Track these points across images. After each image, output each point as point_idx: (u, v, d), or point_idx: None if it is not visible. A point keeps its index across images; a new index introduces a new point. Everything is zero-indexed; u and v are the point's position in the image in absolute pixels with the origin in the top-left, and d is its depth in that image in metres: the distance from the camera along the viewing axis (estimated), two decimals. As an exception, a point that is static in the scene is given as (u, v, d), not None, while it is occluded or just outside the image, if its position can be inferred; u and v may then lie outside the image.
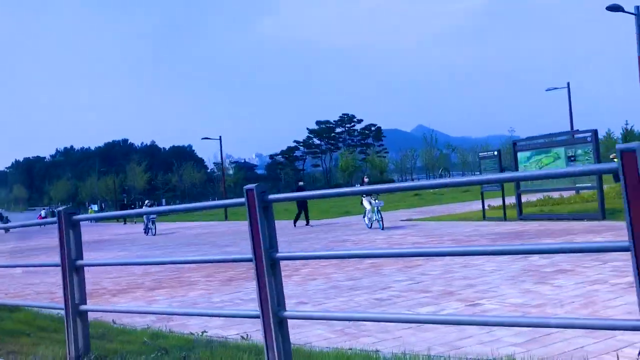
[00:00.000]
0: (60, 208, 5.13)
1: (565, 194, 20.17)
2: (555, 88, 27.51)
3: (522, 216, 16.43)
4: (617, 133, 77.67)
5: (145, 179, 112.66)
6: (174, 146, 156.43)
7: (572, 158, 15.55)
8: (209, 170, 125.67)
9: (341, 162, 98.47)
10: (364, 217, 18.19)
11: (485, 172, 18.79)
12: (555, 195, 20.36)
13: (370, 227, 17.36)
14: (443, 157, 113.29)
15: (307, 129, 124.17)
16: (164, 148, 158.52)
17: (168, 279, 10.62)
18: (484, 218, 17.86)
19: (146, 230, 25.69)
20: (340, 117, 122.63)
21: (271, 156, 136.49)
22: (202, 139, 37.69)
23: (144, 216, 25.61)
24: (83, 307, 5.05)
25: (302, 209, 21.64)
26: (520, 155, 16.79)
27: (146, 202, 29.16)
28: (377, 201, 17.16)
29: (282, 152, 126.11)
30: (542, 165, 16.42)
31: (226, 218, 33.50)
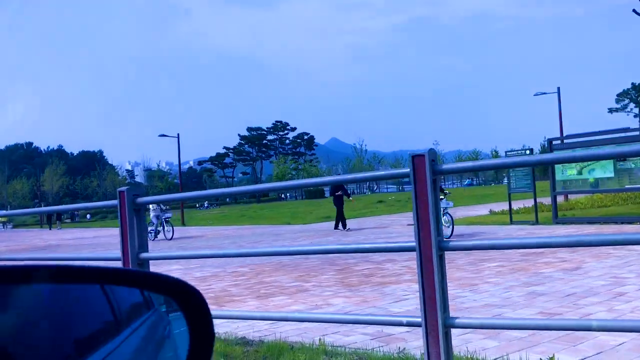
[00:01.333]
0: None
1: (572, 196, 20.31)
2: (544, 93, 27.92)
3: (558, 220, 15.90)
4: None
5: (60, 183, 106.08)
6: (83, 151, 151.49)
7: (623, 158, 15.11)
8: (120, 178, 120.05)
9: (276, 170, 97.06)
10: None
11: (515, 178, 18.25)
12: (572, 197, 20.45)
13: None
14: (371, 168, 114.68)
15: (239, 135, 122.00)
16: (72, 153, 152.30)
17: (259, 284, 8.95)
18: (511, 222, 17.46)
19: (155, 234, 20.99)
20: (273, 124, 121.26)
21: (200, 162, 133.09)
22: (160, 135, 35.32)
23: (152, 215, 21.14)
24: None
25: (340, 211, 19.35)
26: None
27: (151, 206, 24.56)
28: (445, 200, 14.11)
29: (211, 159, 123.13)
30: (585, 165, 15.93)
31: (183, 223, 31.98)
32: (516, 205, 25.73)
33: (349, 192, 20.56)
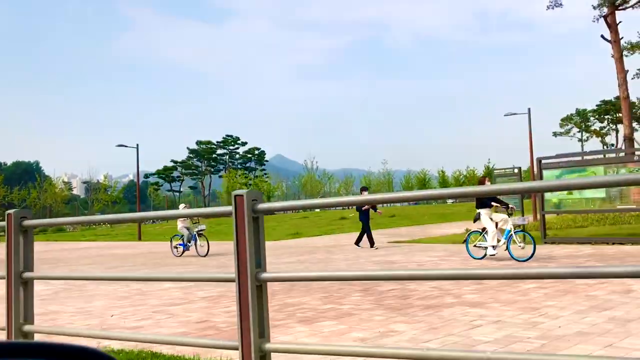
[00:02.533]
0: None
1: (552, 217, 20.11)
2: (515, 113, 28.04)
3: (546, 239, 15.59)
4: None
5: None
6: (17, 161, 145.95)
7: None
8: (57, 190, 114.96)
9: (226, 184, 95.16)
10: (469, 241, 13.04)
11: (504, 197, 17.85)
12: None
13: (494, 255, 12.37)
14: (321, 185, 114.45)
15: (188, 148, 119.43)
16: (4, 163, 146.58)
17: (287, 306, 8.05)
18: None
19: (183, 249, 17.98)
20: (223, 138, 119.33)
21: (146, 175, 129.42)
22: (117, 146, 33.60)
23: (180, 227, 18.19)
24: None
25: (362, 228, 17.73)
26: (547, 173, 16.01)
27: (181, 205, 20.21)
28: (519, 217, 12.83)
29: (158, 172, 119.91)
30: None
31: (140, 238, 30.48)
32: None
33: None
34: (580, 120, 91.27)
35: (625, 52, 29.74)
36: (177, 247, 18.24)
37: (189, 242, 17.87)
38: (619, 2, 26.78)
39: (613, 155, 16.43)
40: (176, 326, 6.88)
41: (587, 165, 16.30)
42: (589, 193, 16.18)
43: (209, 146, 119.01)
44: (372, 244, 17.25)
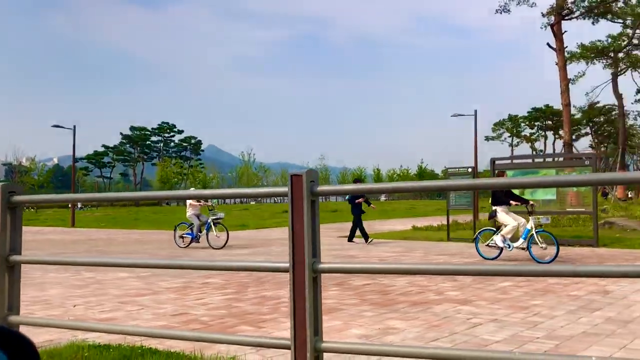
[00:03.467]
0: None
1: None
2: (462, 114, 28.31)
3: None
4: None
5: None
6: None
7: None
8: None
9: (160, 173, 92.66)
10: (490, 239, 12.18)
11: (456, 196, 17.93)
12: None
13: (509, 249, 11.88)
14: (258, 178, 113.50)
15: (121, 134, 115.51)
16: None
17: (266, 300, 7.49)
18: (448, 239, 17.35)
19: (192, 239, 15.82)
20: (158, 125, 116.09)
21: (76, 160, 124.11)
22: (53, 126, 31.64)
23: (190, 214, 15.99)
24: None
25: (355, 222, 16.89)
26: None
27: (191, 189, 17.15)
28: (541, 217, 11.87)
29: (88, 157, 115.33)
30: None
31: (73, 225, 28.99)
32: (435, 221, 26.19)
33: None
34: (512, 125, 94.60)
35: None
36: (183, 237, 15.96)
37: (200, 232, 15.80)
38: (565, 12, 27.75)
39: (559, 159, 16.91)
40: (152, 318, 6.35)
41: (539, 167, 16.67)
42: (540, 194, 16.56)
43: (143, 132, 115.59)
44: (366, 238, 16.70)
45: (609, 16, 32.78)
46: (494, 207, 12.13)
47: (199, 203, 16.09)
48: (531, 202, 12.25)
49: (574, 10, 28.00)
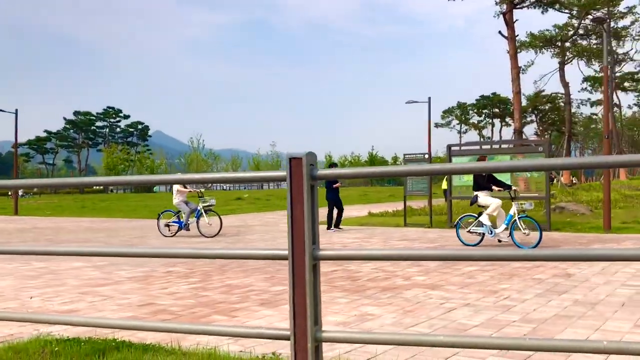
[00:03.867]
0: None
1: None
2: (416, 101, 28.40)
3: (452, 224, 15.95)
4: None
5: None
6: None
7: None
8: None
9: (106, 159, 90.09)
10: (477, 224, 11.86)
11: (412, 181, 17.95)
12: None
13: (491, 235, 11.66)
14: (207, 164, 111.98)
15: (64, 118, 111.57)
16: None
17: (234, 288, 7.19)
18: (405, 224, 17.44)
19: (182, 226, 14.79)
20: (104, 109, 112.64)
21: (13, 145, 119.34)
22: None
23: (178, 200, 14.90)
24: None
25: (337, 207, 16.35)
26: (455, 160, 16.32)
27: (177, 174, 15.49)
28: (524, 203, 11.76)
29: (30, 142, 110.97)
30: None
31: (16, 213, 27.82)
32: (389, 208, 26.43)
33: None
34: (460, 113, 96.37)
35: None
36: (169, 226, 14.99)
37: (189, 220, 14.83)
38: (517, 1, 28.31)
39: (511, 145, 17.26)
40: (118, 309, 6.09)
41: (494, 153, 16.95)
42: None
43: (87, 118, 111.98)
44: (338, 224, 16.44)
45: (557, 6, 33.68)
46: (475, 193, 11.97)
47: (186, 189, 15.04)
48: (514, 188, 12.09)
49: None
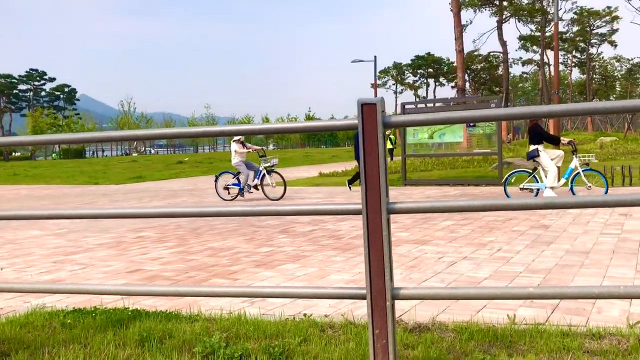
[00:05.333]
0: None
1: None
2: (361, 60, 28.02)
3: (406, 181, 16.10)
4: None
5: None
6: None
7: (472, 124, 15.74)
8: None
9: (31, 125, 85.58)
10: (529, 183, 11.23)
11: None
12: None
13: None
14: (137, 127, 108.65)
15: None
16: None
17: (223, 250, 6.76)
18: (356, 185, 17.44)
19: (243, 189, 13.49)
20: (27, 72, 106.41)
21: None
22: None
23: (237, 161, 13.51)
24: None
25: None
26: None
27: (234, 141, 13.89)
28: (587, 156, 11.09)
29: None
30: (435, 130, 16.20)
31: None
32: (336, 168, 26.48)
33: None
34: (396, 73, 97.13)
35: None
36: (228, 188, 13.75)
37: (251, 183, 13.55)
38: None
39: (467, 102, 17.46)
40: (107, 277, 5.72)
41: (449, 111, 17.14)
42: (449, 137, 17.07)
43: (9, 80, 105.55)
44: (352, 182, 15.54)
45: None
46: (534, 146, 11.03)
47: (246, 149, 13.59)
48: (574, 141, 11.44)
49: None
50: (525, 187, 11.30)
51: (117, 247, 7.69)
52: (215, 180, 14.16)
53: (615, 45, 70.41)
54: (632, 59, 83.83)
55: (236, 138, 13.49)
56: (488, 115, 2.83)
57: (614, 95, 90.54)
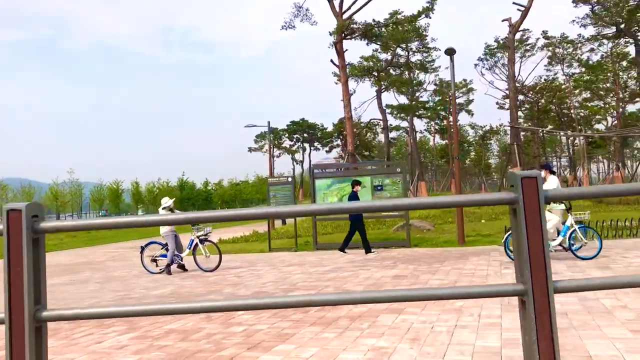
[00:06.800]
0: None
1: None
2: (255, 125, 27.88)
3: (318, 245, 15.86)
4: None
5: None
6: None
7: (379, 187, 15.90)
8: None
9: None
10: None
11: (277, 202, 17.34)
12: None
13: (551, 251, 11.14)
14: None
15: None
16: None
17: (257, 332, 5.77)
18: (270, 249, 16.88)
19: (172, 260, 12.40)
20: None
21: None
22: None
23: (169, 233, 12.48)
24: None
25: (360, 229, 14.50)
26: (318, 182, 16.31)
27: (164, 199, 12.83)
28: (582, 213, 11.15)
29: None
30: (345, 193, 16.18)
31: None
32: (233, 233, 25.83)
33: None
34: (273, 138, 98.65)
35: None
36: (157, 260, 12.81)
37: (180, 253, 12.68)
38: (346, 33, 29.84)
39: (373, 167, 18.02)
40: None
41: (359, 175, 17.49)
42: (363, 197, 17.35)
43: None
44: (368, 249, 14.59)
45: (375, 39, 36.27)
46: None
47: (171, 210, 12.72)
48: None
49: (355, 31, 30.32)
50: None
51: (54, 335, 6.70)
52: (141, 252, 13.14)
53: (472, 114, 77.02)
54: (484, 127, 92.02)
55: (165, 204, 12.70)
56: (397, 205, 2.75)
57: (469, 160, 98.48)
